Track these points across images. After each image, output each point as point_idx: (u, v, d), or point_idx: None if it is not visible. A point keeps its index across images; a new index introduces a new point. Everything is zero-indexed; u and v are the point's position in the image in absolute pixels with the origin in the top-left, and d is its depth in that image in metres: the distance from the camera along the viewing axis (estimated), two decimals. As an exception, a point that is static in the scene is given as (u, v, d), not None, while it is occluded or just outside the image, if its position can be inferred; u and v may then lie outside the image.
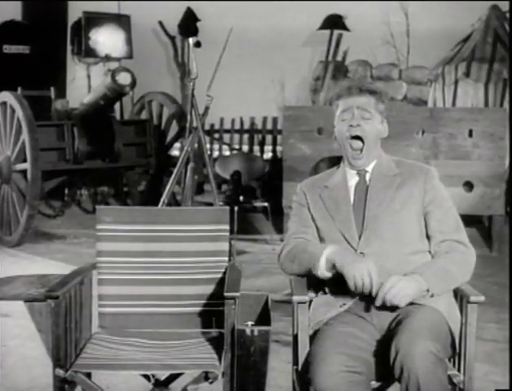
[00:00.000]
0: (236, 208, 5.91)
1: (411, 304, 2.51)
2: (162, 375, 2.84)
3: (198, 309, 3.00)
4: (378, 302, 2.48)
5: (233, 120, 9.80)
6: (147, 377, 2.79)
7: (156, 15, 9.87)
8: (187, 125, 5.56)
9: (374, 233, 2.61)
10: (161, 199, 5.39)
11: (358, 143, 2.67)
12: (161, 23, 10.04)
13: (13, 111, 6.84)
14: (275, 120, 9.68)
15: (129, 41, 9.83)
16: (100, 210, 3.02)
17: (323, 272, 2.57)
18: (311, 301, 2.65)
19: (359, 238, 2.62)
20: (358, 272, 2.47)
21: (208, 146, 8.55)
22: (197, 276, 3.00)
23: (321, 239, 2.71)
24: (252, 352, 2.46)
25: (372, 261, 2.51)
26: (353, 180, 2.72)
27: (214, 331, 2.92)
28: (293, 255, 2.68)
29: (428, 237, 2.66)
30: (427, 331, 2.36)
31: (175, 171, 5.46)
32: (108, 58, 9.61)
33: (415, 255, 2.61)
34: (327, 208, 2.69)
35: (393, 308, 2.52)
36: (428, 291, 2.51)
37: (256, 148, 9.79)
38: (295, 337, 2.60)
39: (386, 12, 9.16)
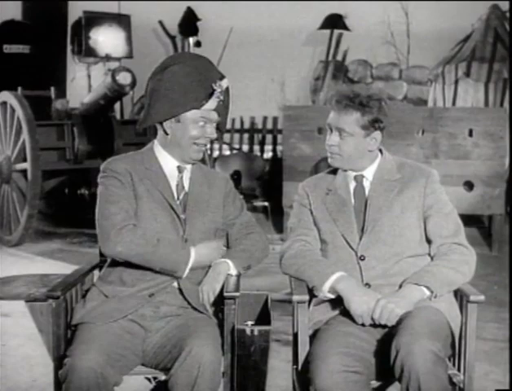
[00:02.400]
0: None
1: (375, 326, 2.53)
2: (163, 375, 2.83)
3: (198, 308, 2.99)
4: (369, 323, 2.51)
5: (233, 120, 9.80)
6: (147, 377, 2.79)
7: (156, 15, 9.87)
8: (188, 124, 5.55)
9: (374, 237, 2.61)
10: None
11: (332, 158, 2.69)
12: (161, 22, 10.04)
13: (13, 110, 6.84)
14: (275, 119, 9.68)
15: (129, 41, 9.83)
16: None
17: (325, 294, 2.59)
18: (310, 301, 2.65)
19: (360, 241, 2.62)
20: (365, 309, 2.50)
21: (208, 145, 8.55)
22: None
23: (323, 242, 2.71)
24: (252, 352, 2.45)
25: (377, 294, 2.53)
26: (352, 185, 2.72)
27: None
28: (297, 265, 2.67)
29: (428, 241, 2.66)
30: (428, 331, 2.36)
31: (175, 171, 5.45)
32: (108, 58, 9.61)
33: (415, 258, 2.61)
34: (329, 211, 2.69)
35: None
36: (432, 292, 2.52)
37: (256, 148, 9.80)
38: (295, 337, 2.60)
39: (386, 12, 9.17)
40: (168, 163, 2.70)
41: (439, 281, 2.54)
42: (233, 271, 2.66)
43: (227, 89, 2.70)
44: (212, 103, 2.64)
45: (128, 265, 2.59)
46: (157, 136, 2.73)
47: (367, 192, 2.68)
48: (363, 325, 2.52)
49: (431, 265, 2.60)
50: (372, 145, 2.67)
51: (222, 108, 2.69)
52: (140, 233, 2.57)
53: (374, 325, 2.51)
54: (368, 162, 2.70)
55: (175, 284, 2.62)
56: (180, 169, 2.71)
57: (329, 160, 2.71)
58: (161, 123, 2.67)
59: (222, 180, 2.82)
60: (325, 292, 2.58)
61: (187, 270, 2.58)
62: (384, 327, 2.51)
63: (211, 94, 2.63)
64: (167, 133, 2.67)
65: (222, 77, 2.67)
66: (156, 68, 2.69)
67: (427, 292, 2.53)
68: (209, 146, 9.13)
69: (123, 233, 2.54)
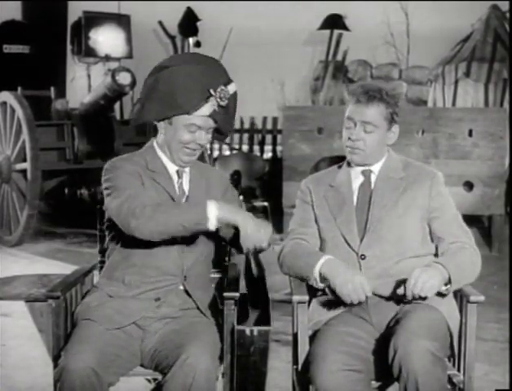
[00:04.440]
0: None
1: (410, 302, 2.52)
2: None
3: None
4: (409, 297, 2.45)
5: (233, 120, 9.80)
6: (147, 378, 2.79)
7: (156, 15, 9.88)
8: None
9: (376, 236, 2.60)
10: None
11: (356, 154, 2.67)
12: (160, 23, 10.04)
13: (13, 111, 6.84)
14: (275, 119, 9.68)
15: (129, 41, 9.84)
16: (100, 210, 3.01)
17: (318, 284, 2.57)
18: (310, 301, 2.65)
19: (361, 240, 2.61)
20: (350, 288, 2.46)
21: (208, 145, 8.55)
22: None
23: (323, 240, 2.70)
24: (252, 352, 2.46)
25: (358, 270, 2.52)
26: (357, 180, 2.70)
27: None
28: (290, 262, 2.66)
29: (434, 240, 2.64)
30: (425, 331, 2.36)
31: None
32: (107, 58, 9.61)
33: (416, 259, 2.59)
34: (330, 209, 2.68)
35: (393, 306, 2.54)
36: (450, 281, 2.48)
37: (256, 148, 9.80)
38: (295, 337, 2.60)
39: (386, 12, 9.17)
40: (168, 167, 2.65)
41: (460, 272, 2.50)
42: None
43: (234, 94, 2.61)
44: (207, 109, 2.54)
45: (131, 265, 2.58)
46: (157, 135, 2.69)
47: (372, 188, 2.67)
48: (352, 304, 2.50)
49: (453, 256, 2.54)
50: (392, 138, 2.69)
51: (223, 114, 2.59)
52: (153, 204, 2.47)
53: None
54: (379, 157, 2.70)
55: (181, 287, 2.60)
56: (179, 174, 2.65)
57: (349, 156, 2.67)
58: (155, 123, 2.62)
59: (218, 176, 2.77)
60: (317, 279, 2.54)
61: (212, 219, 2.41)
62: (386, 327, 2.51)
63: (207, 100, 2.54)
64: (161, 134, 2.63)
65: (228, 82, 2.59)
66: (156, 66, 2.62)
67: (446, 278, 2.48)
68: (208, 146, 9.14)
69: (144, 211, 2.43)
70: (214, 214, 2.42)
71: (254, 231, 2.42)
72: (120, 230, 2.55)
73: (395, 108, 2.65)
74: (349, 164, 2.73)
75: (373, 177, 2.69)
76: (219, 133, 2.68)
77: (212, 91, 2.53)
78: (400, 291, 2.47)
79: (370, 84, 2.71)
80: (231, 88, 2.59)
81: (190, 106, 2.53)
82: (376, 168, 2.69)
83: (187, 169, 2.67)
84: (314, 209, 2.72)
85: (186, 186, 2.66)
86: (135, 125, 2.61)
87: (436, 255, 2.64)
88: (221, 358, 2.51)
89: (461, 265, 2.53)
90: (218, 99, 2.55)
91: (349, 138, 2.64)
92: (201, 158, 2.75)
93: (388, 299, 2.57)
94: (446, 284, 2.49)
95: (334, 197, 2.69)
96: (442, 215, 2.63)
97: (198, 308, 2.59)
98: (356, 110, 2.62)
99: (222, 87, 2.55)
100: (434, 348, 2.31)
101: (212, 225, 2.43)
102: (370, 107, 2.61)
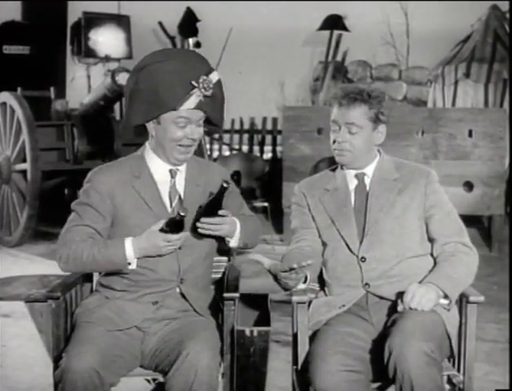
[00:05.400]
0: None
1: None
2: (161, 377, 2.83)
3: (198, 309, 2.99)
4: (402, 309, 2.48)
5: (233, 121, 9.80)
6: (147, 379, 2.79)
7: (156, 16, 9.87)
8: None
9: (375, 238, 2.60)
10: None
11: (343, 156, 2.67)
12: (160, 23, 10.04)
13: (13, 111, 6.84)
14: (275, 120, 9.68)
15: (128, 42, 9.84)
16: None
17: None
18: (310, 302, 2.66)
19: (361, 243, 2.61)
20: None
21: (208, 146, 8.55)
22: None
23: (322, 243, 2.70)
24: (252, 352, 2.46)
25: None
26: (352, 183, 2.70)
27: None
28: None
29: (430, 240, 2.65)
30: (421, 332, 2.35)
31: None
32: (107, 58, 9.61)
33: (415, 259, 2.61)
34: (327, 212, 2.68)
35: (393, 306, 2.53)
36: (447, 296, 2.50)
37: (256, 148, 9.80)
38: (295, 337, 2.60)
39: (386, 12, 9.18)
40: (159, 168, 2.60)
41: (455, 286, 2.53)
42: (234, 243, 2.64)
43: (218, 82, 2.56)
44: (192, 102, 2.49)
45: (126, 273, 2.56)
46: (148, 138, 2.64)
47: (367, 190, 2.68)
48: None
49: (443, 268, 2.57)
50: (379, 138, 2.69)
51: (211, 103, 2.55)
52: (74, 248, 2.50)
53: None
54: (370, 159, 2.70)
55: (177, 289, 2.59)
56: (172, 174, 2.60)
57: (338, 158, 2.68)
58: (144, 125, 2.57)
59: (218, 172, 2.72)
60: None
61: (131, 261, 2.49)
62: (384, 327, 2.51)
63: (191, 92, 2.49)
64: (152, 135, 2.59)
65: (209, 72, 2.54)
66: (134, 67, 2.58)
67: (441, 295, 2.51)
68: (208, 146, 9.13)
69: (60, 251, 2.53)
70: (133, 257, 2.48)
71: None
72: (113, 235, 2.57)
73: (380, 108, 2.65)
74: (342, 168, 2.73)
75: (367, 180, 2.70)
76: (212, 125, 2.64)
77: (194, 83, 2.48)
78: (399, 308, 2.49)
79: (351, 86, 2.72)
80: (214, 76, 2.54)
81: (175, 101, 2.49)
82: (369, 170, 2.70)
83: (181, 168, 2.62)
84: (311, 212, 2.72)
85: (180, 186, 2.61)
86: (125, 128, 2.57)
87: (432, 255, 2.65)
88: (221, 357, 2.51)
89: (454, 277, 2.54)
90: (203, 90, 2.50)
91: (334, 141, 2.65)
92: (201, 157, 2.72)
93: (388, 299, 2.58)
94: (445, 297, 2.51)
95: (331, 201, 2.69)
96: (437, 212, 2.64)
97: (195, 311, 2.58)
98: (339, 113, 2.63)
99: (204, 77, 2.50)
100: (428, 349, 2.31)
101: (134, 265, 2.49)
102: (352, 109, 2.61)
